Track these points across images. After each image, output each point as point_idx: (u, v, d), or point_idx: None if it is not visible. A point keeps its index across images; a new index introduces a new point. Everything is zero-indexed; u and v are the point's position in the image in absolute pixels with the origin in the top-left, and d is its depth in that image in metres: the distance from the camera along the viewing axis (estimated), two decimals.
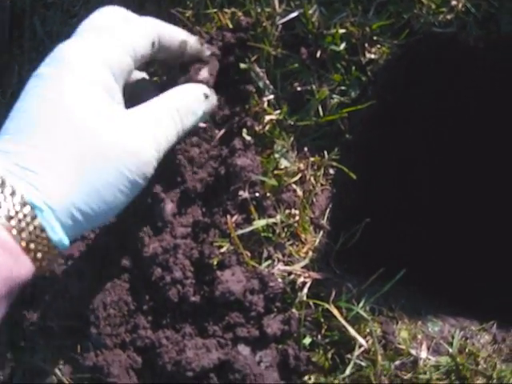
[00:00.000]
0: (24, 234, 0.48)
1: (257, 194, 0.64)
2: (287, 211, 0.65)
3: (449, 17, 0.69)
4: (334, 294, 0.61)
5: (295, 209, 0.65)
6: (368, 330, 0.61)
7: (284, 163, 0.65)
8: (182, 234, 0.65)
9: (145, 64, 0.59)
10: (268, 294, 0.62)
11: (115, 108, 0.53)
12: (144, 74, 0.65)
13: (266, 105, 0.67)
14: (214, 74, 0.64)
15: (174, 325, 0.63)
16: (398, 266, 0.60)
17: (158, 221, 0.65)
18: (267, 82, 0.67)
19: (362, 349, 0.60)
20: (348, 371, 0.60)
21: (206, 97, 0.60)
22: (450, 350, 0.61)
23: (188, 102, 0.58)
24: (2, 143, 0.50)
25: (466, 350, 0.61)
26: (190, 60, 0.62)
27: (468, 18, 0.68)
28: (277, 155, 0.66)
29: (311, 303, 0.62)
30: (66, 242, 0.51)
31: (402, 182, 0.97)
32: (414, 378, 0.59)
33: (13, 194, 0.47)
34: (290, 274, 0.63)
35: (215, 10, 0.70)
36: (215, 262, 0.62)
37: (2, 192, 0.47)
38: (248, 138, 0.66)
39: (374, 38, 0.68)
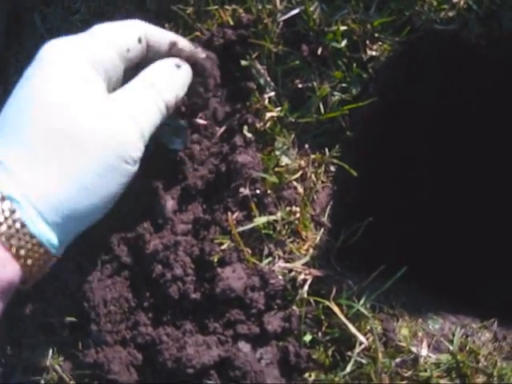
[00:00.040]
0: (3, 228, 0.47)
1: (257, 191, 0.64)
2: (288, 208, 0.65)
3: (450, 14, 0.68)
4: (334, 291, 0.61)
5: (296, 206, 0.65)
6: (368, 328, 0.61)
7: (285, 160, 0.65)
8: (183, 231, 0.65)
9: None
10: (269, 291, 0.62)
11: (95, 97, 0.53)
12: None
13: (266, 102, 0.67)
14: (214, 75, 0.63)
15: (175, 322, 0.63)
16: (399, 264, 0.60)
17: (159, 218, 0.65)
18: (268, 78, 0.67)
19: (363, 346, 0.60)
20: (348, 368, 0.59)
21: (178, 67, 0.59)
22: (451, 348, 0.61)
23: (161, 75, 0.58)
24: None
25: (467, 348, 0.61)
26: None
27: (470, 15, 0.68)
28: (278, 152, 0.65)
29: (312, 300, 0.62)
30: (54, 239, 0.50)
31: (403, 180, 0.97)
32: (414, 376, 0.59)
33: None
34: (290, 271, 0.63)
35: (216, 7, 0.70)
36: (216, 259, 0.62)
37: None
38: (249, 134, 0.66)
39: (376, 35, 0.68)
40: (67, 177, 0.50)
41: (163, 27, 0.72)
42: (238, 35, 0.68)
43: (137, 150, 0.54)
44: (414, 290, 0.68)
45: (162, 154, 0.66)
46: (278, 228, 0.64)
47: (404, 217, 0.98)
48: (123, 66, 0.57)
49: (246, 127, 0.66)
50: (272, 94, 0.67)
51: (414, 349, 0.60)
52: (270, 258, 0.63)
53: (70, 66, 0.53)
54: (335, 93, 0.67)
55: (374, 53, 0.68)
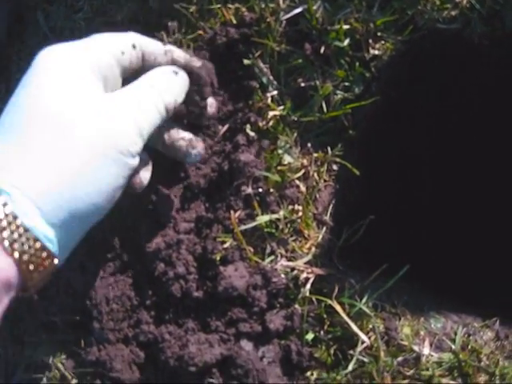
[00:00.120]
0: None
1: (260, 190, 0.64)
2: (290, 207, 0.65)
3: (453, 13, 0.68)
4: (336, 289, 0.61)
5: (298, 204, 0.65)
6: (371, 326, 0.61)
7: (287, 159, 0.65)
8: (185, 230, 0.65)
9: None
10: (271, 290, 0.62)
11: (91, 94, 0.53)
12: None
13: (269, 100, 0.67)
14: (210, 83, 0.63)
15: (177, 320, 0.63)
16: (401, 263, 0.60)
17: (161, 216, 0.65)
18: (271, 77, 0.67)
19: (365, 345, 0.60)
20: (350, 367, 0.59)
21: (176, 73, 0.60)
22: (453, 347, 0.61)
23: (160, 78, 0.58)
24: None
25: (469, 347, 0.61)
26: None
27: (472, 14, 0.68)
28: (280, 151, 0.65)
29: (314, 299, 0.62)
30: (50, 233, 0.50)
31: (405, 179, 0.97)
32: (416, 375, 0.59)
33: None
34: (292, 269, 0.63)
35: (219, 6, 0.70)
36: (218, 258, 0.62)
37: None
38: (251, 133, 0.66)
39: (378, 33, 0.68)
40: (64, 167, 0.50)
41: (166, 26, 0.72)
42: (241, 34, 0.68)
43: (134, 144, 0.54)
44: (416, 288, 0.68)
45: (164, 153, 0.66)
46: (281, 226, 0.64)
47: (406, 216, 0.98)
48: (119, 70, 0.57)
49: (248, 126, 0.66)
50: (275, 92, 0.67)
51: (415, 348, 0.60)
52: (273, 257, 0.63)
53: (66, 68, 0.53)
54: (338, 92, 0.67)
55: (376, 52, 0.68)
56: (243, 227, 0.63)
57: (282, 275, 0.62)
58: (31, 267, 0.49)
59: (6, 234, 0.48)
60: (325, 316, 0.62)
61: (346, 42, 0.67)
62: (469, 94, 0.86)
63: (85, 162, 0.51)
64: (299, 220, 0.64)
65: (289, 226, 0.64)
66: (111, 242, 0.67)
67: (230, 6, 0.70)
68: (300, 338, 0.61)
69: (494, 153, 0.93)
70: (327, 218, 0.67)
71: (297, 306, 0.62)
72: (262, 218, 0.63)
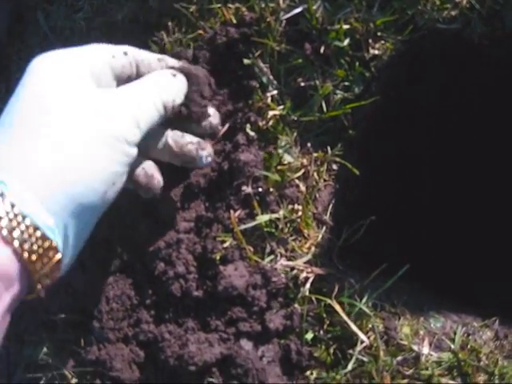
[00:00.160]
0: None
1: (260, 190, 0.64)
2: (290, 206, 0.65)
3: (453, 13, 0.68)
4: (336, 289, 0.61)
5: (298, 204, 0.65)
6: (370, 326, 0.61)
7: (287, 158, 0.66)
8: (185, 229, 0.65)
9: None
10: (270, 289, 0.62)
11: (86, 89, 0.54)
12: None
13: (269, 100, 0.67)
14: (208, 82, 0.64)
15: (177, 319, 0.63)
16: (401, 262, 0.60)
17: (161, 215, 0.66)
18: (271, 77, 0.67)
19: (364, 344, 0.60)
20: (350, 366, 0.60)
21: (174, 75, 0.60)
22: (452, 346, 0.61)
23: (159, 78, 0.59)
24: None
25: (468, 346, 0.61)
26: None
27: (472, 14, 0.68)
28: (280, 150, 0.66)
29: (313, 298, 0.62)
30: (50, 221, 0.48)
31: (405, 179, 0.97)
32: (415, 374, 0.59)
33: None
34: (292, 269, 0.63)
35: (219, 5, 0.70)
36: (218, 257, 0.63)
37: None
38: (251, 133, 0.66)
39: (378, 33, 0.68)
40: (57, 151, 0.50)
41: (166, 25, 0.72)
42: (241, 33, 0.68)
43: (130, 133, 0.54)
44: (415, 288, 0.68)
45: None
46: (280, 226, 0.64)
47: (406, 215, 0.98)
48: (111, 73, 0.57)
49: (248, 125, 0.66)
50: (274, 92, 0.67)
51: (415, 347, 0.60)
52: (272, 256, 0.63)
53: (61, 69, 0.54)
54: (338, 91, 0.67)
55: (376, 51, 0.68)
56: (243, 227, 0.63)
57: (282, 275, 0.62)
58: (33, 257, 0.48)
59: (3, 222, 0.46)
60: (324, 315, 0.62)
61: (346, 41, 0.67)
62: (469, 94, 0.86)
63: (78, 145, 0.51)
64: (299, 220, 0.64)
65: (288, 225, 0.64)
66: (111, 242, 0.67)
67: (230, 5, 0.70)
68: (299, 337, 0.62)
69: (494, 153, 0.93)
70: (327, 217, 0.67)
71: (296, 305, 0.62)
72: (262, 218, 0.63)
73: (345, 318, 0.60)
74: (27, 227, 0.47)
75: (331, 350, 0.61)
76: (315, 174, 0.67)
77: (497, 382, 0.59)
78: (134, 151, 0.55)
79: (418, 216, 0.99)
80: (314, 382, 0.61)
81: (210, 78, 0.64)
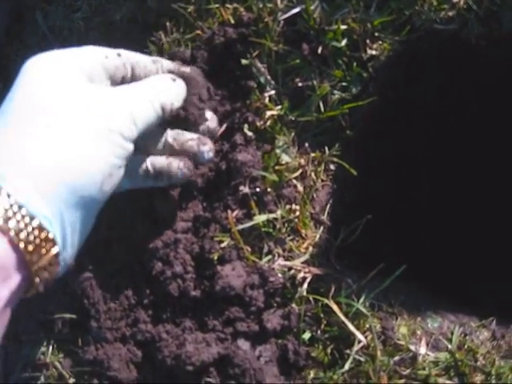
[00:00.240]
0: None
1: (257, 189, 0.64)
2: (288, 206, 0.65)
3: (450, 14, 0.69)
4: (333, 289, 0.61)
5: (296, 204, 0.65)
6: (367, 326, 0.61)
7: (285, 159, 0.66)
8: (183, 229, 0.65)
9: None
10: (268, 289, 0.62)
11: (81, 85, 0.54)
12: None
13: (267, 100, 0.67)
14: (205, 85, 0.64)
15: (174, 319, 0.63)
16: (398, 262, 0.60)
17: (159, 215, 0.66)
18: (268, 77, 0.67)
19: (361, 344, 0.60)
20: (347, 366, 0.60)
21: (174, 80, 0.61)
22: (449, 346, 0.61)
23: (158, 82, 0.59)
24: None
25: (465, 347, 0.61)
26: None
27: (470, 15, 0.68)
28: (278, 150, 0.66)
29: (311, 298, 0.62)
30: (47, 211, 0.48)
31: (402, 179, 0.97)
32: (412, 374, 0.60)
33: None
34: (290, 269, 0.63)
35: (217, 6, 0.70)
36: (216, 257, 0.63)
37: None
38: (249, 133, 0.66)
39: (376, 34, 0.68)
40: (51, 141, 0.50)
41: (164, 25, 0.72)
42: (239, 34, 0.68)
43: (125, 127, 0.54)
44: (413, 288, 0.68)
45: None
46: (278, 226, 0.64)
47: (403, 216, 0.98)
48: (104, 73, 0.57)
49: (246, 125, 0.66)
50: (272, 92, 0.67)
51: (412, 347, 0.61)
52: (270, 256, 0.63)
53: (55, 68, 0.54)
54: (335, 92, 0.68)
55: (374, 52, 0.68)
56: (241, 227, 0.63)
57: (279, 275, 0.62)
58: (30, 247, 0.47)
59: None
60: (322, 315, 0.62)
61: (344, 42, 0.67)
62: (466, 94, 0.86)
63: (74, 136, 0.51)
64: (296, 220, 0.65)
65: (286, 225, 0.64)
66: (109, 241, 0.67)
67: (228, 5, 0.70)
68: (297, 337, 0.62)
69: (491, 153, 0.93)
70: (324, 217, 0.67)
71: (294, 305, 0.62)
72: (260, 218, 0.63)
73: (342, 317, 0.60)
74: (23, 216, 0.46)
75: (328, 350, 0.61)
76: (313, 174, 0.67)
77: (494, 382, 0.59)
78: (130, 146, 0.55)
79: (415, 216, 0.99)
80: (312, 382, 0.61)
81: (207, 82, 0.64)
